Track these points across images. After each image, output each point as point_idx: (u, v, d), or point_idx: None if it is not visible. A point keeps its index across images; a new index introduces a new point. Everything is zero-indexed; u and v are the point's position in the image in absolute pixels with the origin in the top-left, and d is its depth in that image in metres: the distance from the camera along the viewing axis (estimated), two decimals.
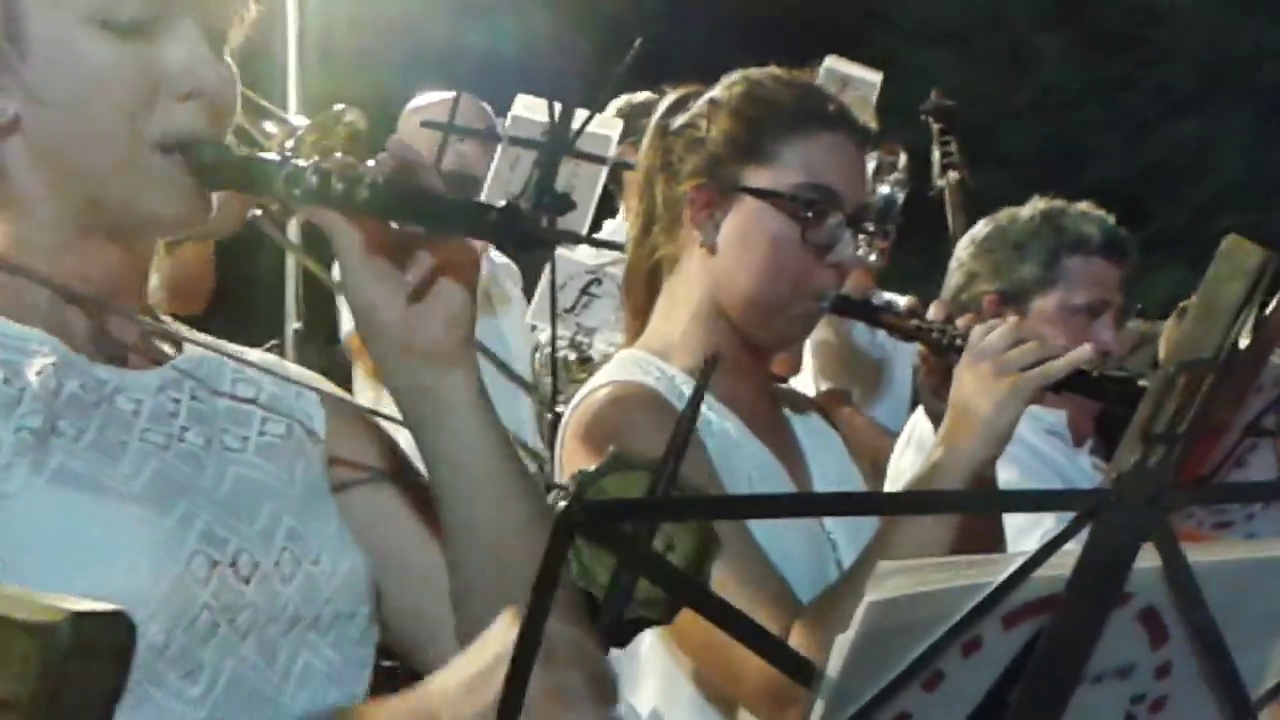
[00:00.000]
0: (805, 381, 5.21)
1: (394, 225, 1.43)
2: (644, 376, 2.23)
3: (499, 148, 3.46)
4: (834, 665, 0.96)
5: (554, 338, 3.71)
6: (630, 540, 0.87)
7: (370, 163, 1.40)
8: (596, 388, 2.24)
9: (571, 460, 2.18)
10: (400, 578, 1.59)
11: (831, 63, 4.15)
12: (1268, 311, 1.98)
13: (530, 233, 1.38)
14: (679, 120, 2.31)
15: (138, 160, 1.44)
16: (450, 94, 3.94)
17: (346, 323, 4.37)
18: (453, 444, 1.49)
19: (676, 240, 2.31)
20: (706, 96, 2.31)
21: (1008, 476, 2.61)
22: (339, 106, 3.72)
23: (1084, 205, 3.08)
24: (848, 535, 2.26)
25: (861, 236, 2.31)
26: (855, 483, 2.41)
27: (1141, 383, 1.89)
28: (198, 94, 1.46)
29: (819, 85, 2.35)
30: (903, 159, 4.15)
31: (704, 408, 2.24)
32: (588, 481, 1.45)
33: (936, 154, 4.95)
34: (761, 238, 2.23)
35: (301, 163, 1.38)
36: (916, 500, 1.34)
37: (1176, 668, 1.09)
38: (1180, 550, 1.02)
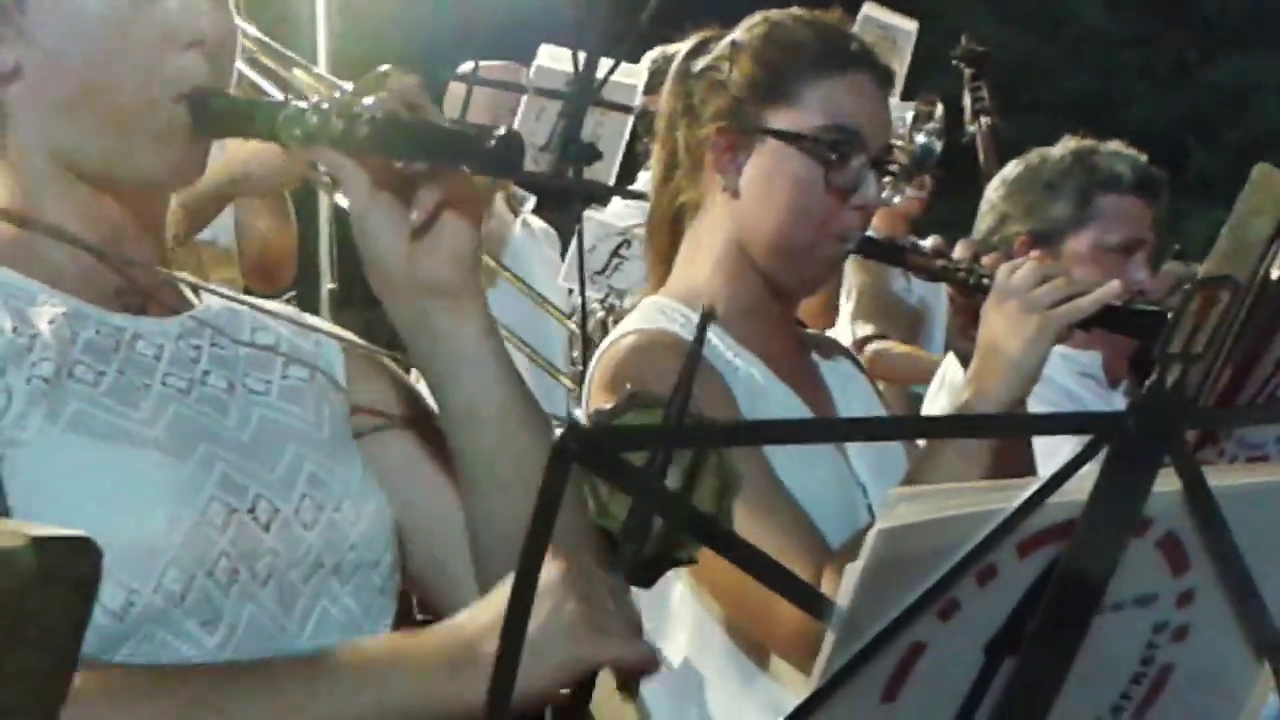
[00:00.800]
0: (842, 333, 5.19)
1: (398, 165, 1.42)
2: (668, 323, 2.21)
3: (523, 99, 3.43)
4: (844, 595, 0.94)
5: (584, 300, 3.69)
6: (633, 471, 0.85)
7: (368, 100, 1.39)
8: (621, 336, 2.22)
9: (595, 408, 2.16)
10: (423, 525, 1.59)
11: (869, 10, 4.12)
12: None
13: (516, 162, 1.37)
14: (700, 63, 2.28)
15: (148, 110, 1.43)
16: (504, 63, 3.91)
17: None
18: (461, 381, 1.48)
19: (699, 185, 2.29)
20: (728, 39, 2.28)
21: None
22: (384, 67, 3.70)
23: (1115, 144, 3.04)
24: (877, 482, 2.23)
25: (886, 179, 2.28)
26: None
27: (1171, 315, 1.86)
28: (199, 42, 1.44)
29: (840, 25, 2.31)
30: (939, 109, 4.12)
31: (730, 354, 2.22)
32: (603, 421, 1.43)
33: (968, 100, 4.91)
34: (784, 180, 2.21)
35: (301, 104, 1.36)
36: (927, 426, 1.32)
37: (1199, 596, 1.07)
38: (1201, 473, 1.00)
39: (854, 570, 0.94)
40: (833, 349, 2.49)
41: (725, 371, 2.18)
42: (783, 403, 2.23)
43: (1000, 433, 1.69)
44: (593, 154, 3.40)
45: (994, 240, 3.04)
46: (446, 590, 1.59)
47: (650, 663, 1.35)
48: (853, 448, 2.26)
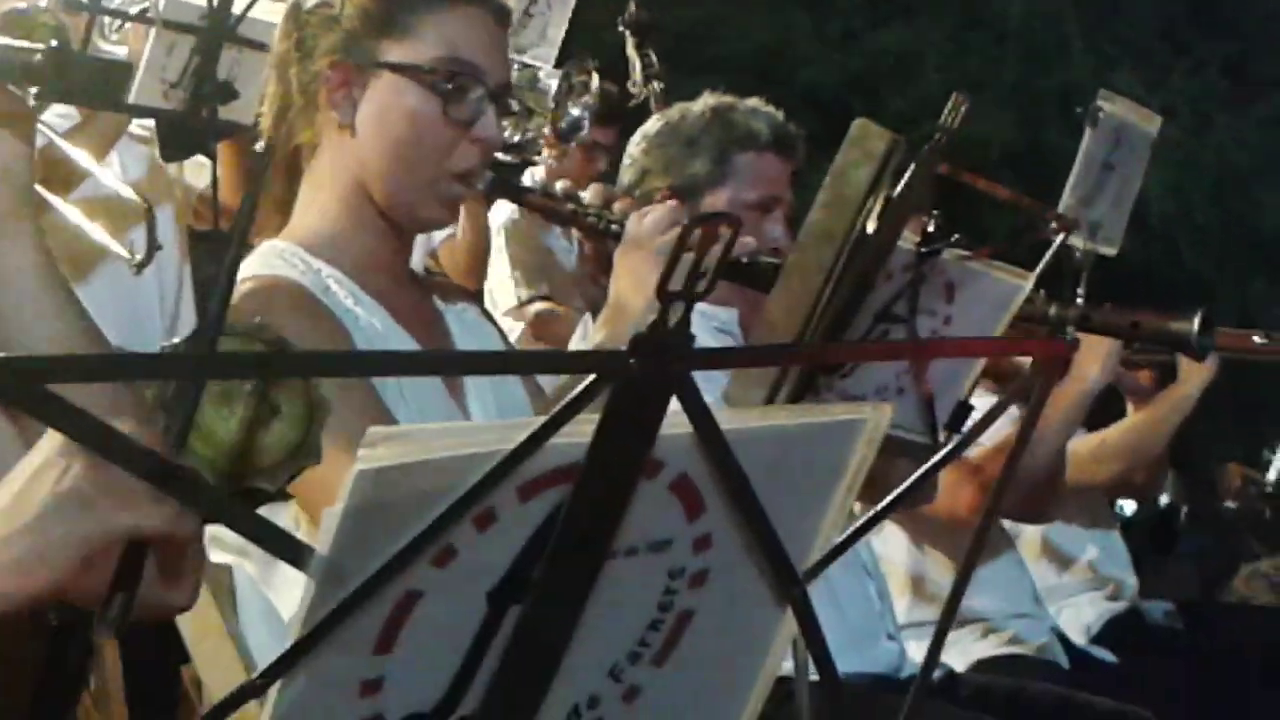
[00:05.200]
0: (505, 300, 5.19)
1: None
2: (288, 269, 2.13)
3: (151, 32, 3.26)
4: (324, 541, 0.89)
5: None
6: (66, 408, 0.78)
7: None
8: (240, 281, 2.12)
9: None
10: None
11: None
12: (895, 195, 1.97)
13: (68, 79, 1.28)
14: (309, 4, 2.19)
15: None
16: None
17: None
18: (16, 302, 1.41)
19: (314, 124, 2.20)
20: None
21: None
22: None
23: (754, 101, 3.05)
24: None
25: (507, 118, 2.23)
26: (512, 380, 2.35)
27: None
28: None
29: None
30: (595, 80, 4.10)
31: (350, 302, 2.14)
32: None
33: (638, 65, 4.91)
34: (400, 114, 2.14)
35: None
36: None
37: (717, 540, 1.05)
38: (710, 414, 0.97)
39: (333, 514, 0.88)
40: (457, 294, 2.43)
41: (345, 319, 2.11)
42: (401, 349, 2.16)
43: (510, 369, 1.64)
44: (229, 93, 3.26)
45: (636, 195, 3.03)
46: None
47: (181, 526, 1.12)
48: (471, 393, 2.21)
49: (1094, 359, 3.26)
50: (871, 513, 1.13)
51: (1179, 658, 3.87)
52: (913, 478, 1.19)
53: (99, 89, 3.25)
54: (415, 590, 0.94)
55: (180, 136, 4.10)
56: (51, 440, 1.12)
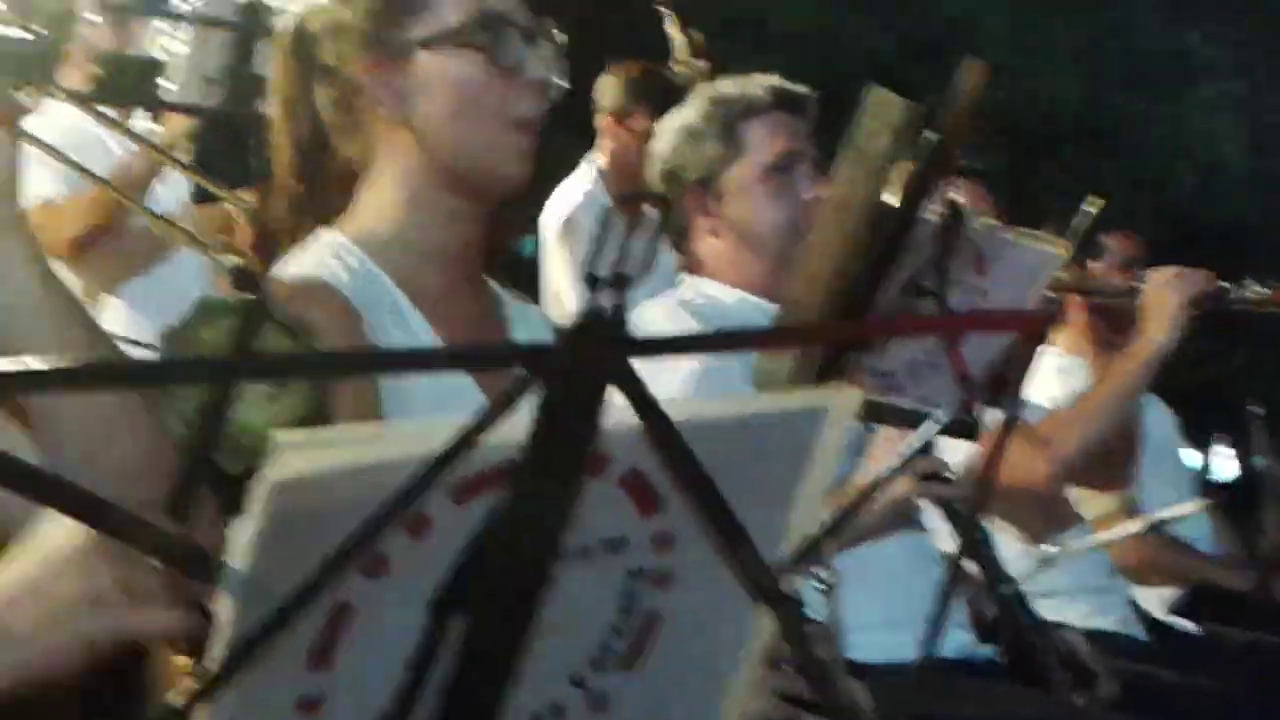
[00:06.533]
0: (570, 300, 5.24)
1: None
2: (339, 269, 2.05)
3: (191, 28, 3.25)
4: (240, 556, 0.84)
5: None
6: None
7: None
8: (281, 272, 2.08)
9: None
10: None
11: None
12: (917, 165, 1.91)
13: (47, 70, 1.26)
14: (311, 25, 2.14)
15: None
16: None
17: None
18: (13, 329, 1.38)
19: (361, 135, 2.14)
20: None
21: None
22: None
23: (758, 77, 2.96)
24: None
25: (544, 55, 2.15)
26: None
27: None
28: None
29: None
30: None
31: (389, 311, 2.07)
32: (176, 336, 1.34)
33: (681, 43, 4.86)
34: (451, 83, 2.08)
35: None
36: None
37: (680, 538, 0.99)
38: (656, 403, 0.92)
39: (247, 529, 0.84)
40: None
41: (376, 329, 2.04)
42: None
43: (435, 366, 1.58)
44: (264, 87, 3.24)
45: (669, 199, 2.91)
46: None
47: (190, 630, 1.25)
48: None
49: (1158, 318, 3.15)
50: (854, 500, 1.08)
51: (1264, 628, 3.75)
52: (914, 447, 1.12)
53: (142, 88, 3.25)
54: (348, 603, 0.89)
55: (221, 131, 4.11)
56: (81, 531, 1.20)
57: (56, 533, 1.26)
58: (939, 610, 1.15)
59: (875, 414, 2.07)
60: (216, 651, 0.86)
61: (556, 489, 0.92)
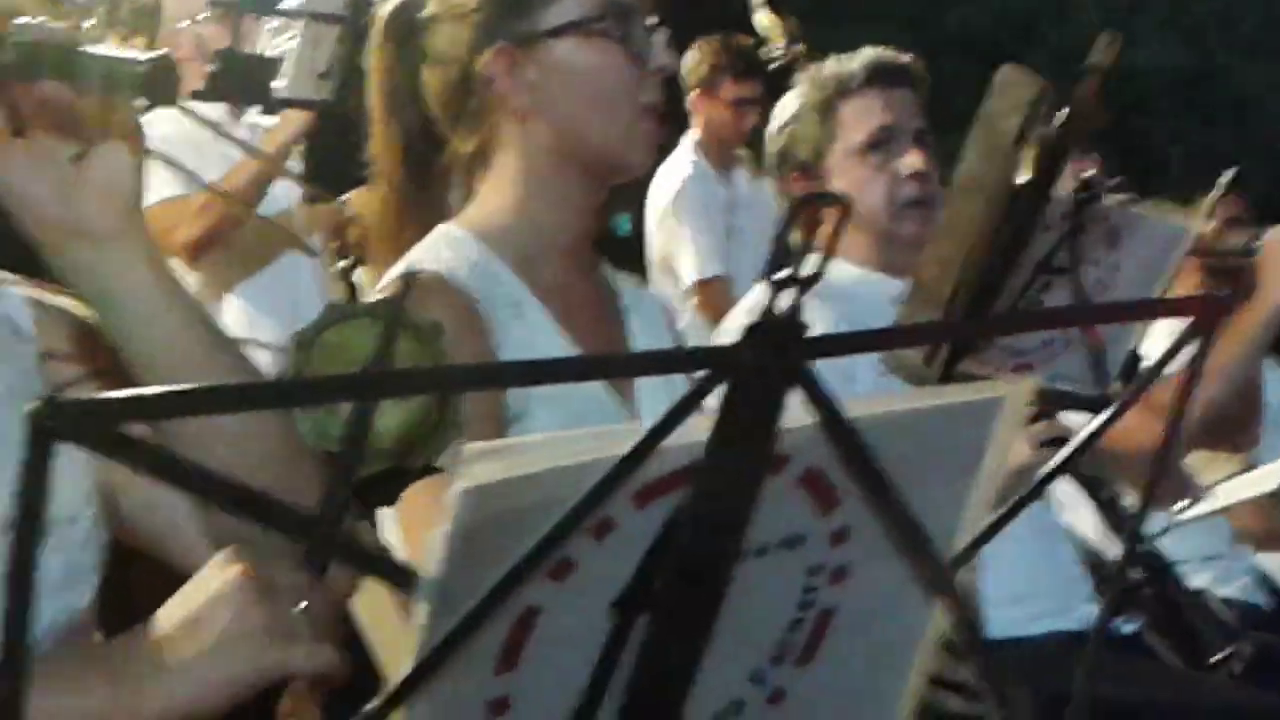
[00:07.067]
0: (686, 270, 5.24)
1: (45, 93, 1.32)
2: (454, 260, 2.07)
3: (300, 25, 3.29)
4: (432, 564, 0.85)
5: None
6: (145, 447, 0.75)
7: (21, 21, 1.30)
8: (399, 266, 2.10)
9: None
10: (128, 472, 1.51)
11: None
12: (1048, 142, 1.88)
13: (171, 89, 1.28)
14: (422, 13, 2.14)
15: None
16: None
17: None
18: (134, 335, 1.40)
19: (484, 128, 2.14)
20: None
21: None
22: None
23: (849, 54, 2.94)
24: None
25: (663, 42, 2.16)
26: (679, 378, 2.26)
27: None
28: None
29: None
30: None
31: (509, 302, 2.07)
32: (305, 340, 1.35)
33: (778, 30, 4.81)
34: (585, 72, 2.09)
35: None
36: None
37: (855, 533, 0.99)
38: (834, 402, 0.92)
39: (439, 537, 0.85)
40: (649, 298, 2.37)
41: (499, 319, 2.05)
42: (548, 346, 2.10)
43: (614, 373, 1.57)
44: None
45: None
46: (165, 530, 1.55)
47: (335, 668, 1.30)
48: (644, 393, 2.12)
49: (1278, 276, 3.08)
50: (1036, 483, 1.07)
51: None
52: (1080, 438, 1.11)
53: (256, 85, 3.29)
54: (534, 606, 0.90)
55: (334, 127, 4.15)
56: (230, 573, 1.28)
57: (212, 573, 1.30)
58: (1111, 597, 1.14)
59: (1049, 401, 2.06)
60: (409, 659, 0.87)
61: (738, 489, 0.92)
